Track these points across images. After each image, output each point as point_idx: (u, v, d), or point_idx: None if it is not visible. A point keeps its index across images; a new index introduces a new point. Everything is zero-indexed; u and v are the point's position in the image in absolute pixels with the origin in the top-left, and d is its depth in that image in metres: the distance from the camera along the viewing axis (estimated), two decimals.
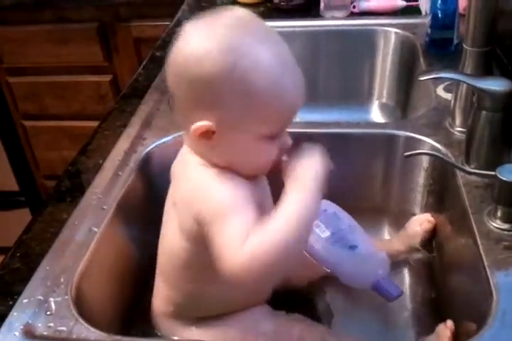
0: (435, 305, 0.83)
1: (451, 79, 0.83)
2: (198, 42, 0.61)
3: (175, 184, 0.72)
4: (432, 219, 0.89)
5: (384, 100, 1.29)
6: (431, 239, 0.90)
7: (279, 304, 0.80)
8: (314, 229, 0.80)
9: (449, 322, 0.71)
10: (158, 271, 0.77)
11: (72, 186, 0.86)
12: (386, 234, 0.99)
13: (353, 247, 0.80)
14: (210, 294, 0.73)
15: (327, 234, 0.81)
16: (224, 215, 0.61)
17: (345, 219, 0.84)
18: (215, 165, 0.66)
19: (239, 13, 0.65)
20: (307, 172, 0.63)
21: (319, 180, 0.62)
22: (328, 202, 0.85)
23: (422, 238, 0.89)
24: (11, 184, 1.97)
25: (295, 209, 0.60)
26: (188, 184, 0.68)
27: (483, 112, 0.76)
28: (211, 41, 0.61)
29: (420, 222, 0.90)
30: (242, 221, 0.60)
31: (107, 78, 1.77)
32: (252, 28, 0.63)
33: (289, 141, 0.67)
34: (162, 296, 0.77)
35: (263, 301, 0.79)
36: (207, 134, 0.64)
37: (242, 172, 0.66)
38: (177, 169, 0.73)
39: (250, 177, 0.68)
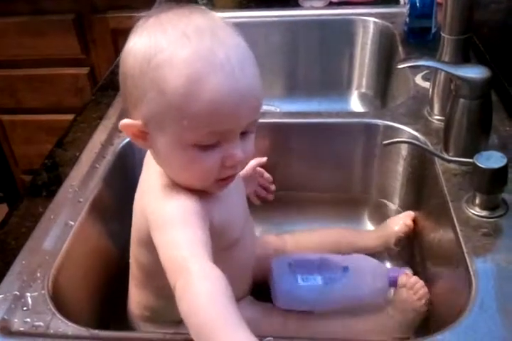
0: None
1: (429, 67, 0.83)
2: (133, 37, 0.60)
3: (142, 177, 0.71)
4: (409, 222, 0.88)
5: (363, 90, 1.29)
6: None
7: (261, 294, 0.80)
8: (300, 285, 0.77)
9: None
10: (130, 275, 0.76)
11: (49, 179, 0.84)
12: (366, 223, 0.99)
13: (345, 268, 0.79)
14: None
15: (319, 281, 0.77)
16: (169, 228, 0.58)
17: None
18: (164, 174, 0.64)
19: (194, 11, 0.60)
20: None
21: None
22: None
23: (398, 238, 0.89)
24: None
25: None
26: (144, 186, 0.67)
27: (461, 100, 0.76)
28: (142, 36, 0.59)
29: (397, 223, 0.89)
30: (187, 239, 0.57)
31: (84, 71, 1.75)
32: (188, 26, 0.57)
33: (236, 154, 0.59)
34: (136, 301, 0.76)
35: (245, 295, 0.79)
36: (140, 135, 0.61)
37: (182, 184, 0.62)
38: (146, 162, 0.71)
39: (204, 192, 0.63)
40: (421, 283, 0.76)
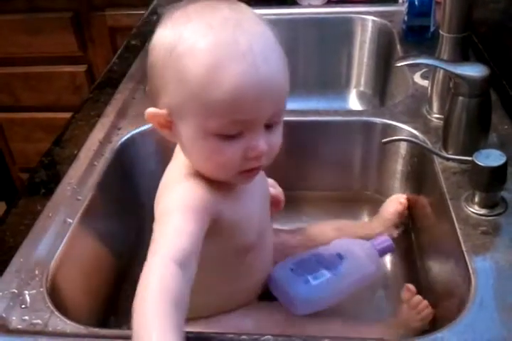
0: (415, 290, 0.83)
1: (427, 65, 0.83)
2: (159, 29, 0.60)
3: None
4: (403, 200, 0.90)
5: (362, 88, 1.29)
6: (409, 225, 0.90)
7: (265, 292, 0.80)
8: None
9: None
10: None
11: (47, 177, 0.84)
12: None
13: (339, 255, 0.79)
14: (197, 301, 0.72)
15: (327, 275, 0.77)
16: (163, 218, 0.59)
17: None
18: (191, 172, 0.63)
19: (222, 3, 0.59)
20: None
21: None
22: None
23: (397, 219, 0.90)
24: None
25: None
26: (165, 178, 0.67)
27: (460, 98, 0.76)
28: (166, 28, 0.59)
29: (392, 204, 0.90)
30: (171, 231, 0.57)
31: (82, 68, 1.74)
32: (214, 17, 0.57)
33: (259, 145, 0.59)
34: None
35: (254, 300, 0.78)
36: (166, 125, 0.61)
37: (206, 174, 0.62)
38: (174, 154, 0.70)
39: (223, 186, 0.63)
40: (425, 303, 0.74)
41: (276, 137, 0.62)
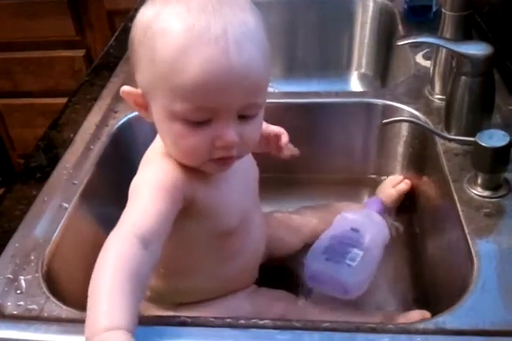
0: (417, 273, 0.82)
1: (429, 43, 0.81)
2: (142, 8, 0.60)
3: None
4: (408, 180, 0.89)
5: (363, 70, 1.27)
6: (411, 208, 0.89)
7: (264, 278, 0.79)
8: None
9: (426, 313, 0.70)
10: None
11: (43, 161, 0.83)
12: None
13: (354, 230, 0.81)
14: (189, 284, 0.72)
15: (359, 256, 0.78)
16: (133, 195, 0.59)
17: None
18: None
19: None
20: None
21: None
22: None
23: (396, 201, 0.89)
24: None
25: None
26: (141, 165, 0.66)
27: (463, 77, 0.75)
28: (147, 8, 0.59)
29: (394, 184, 0.89)
30: (137, 208, 0.57)
31: (80, 53, 1.72)
32: None
33: (226, 134, 0.57)
34: None
35: (249, 284, 0.78)
36: (141, 104, 0.61)
37: (177, 159, 0.62)
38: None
39: (202, 172, 0.62)
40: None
41: (251, 130, 0.60)
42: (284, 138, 0.80)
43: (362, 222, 0.83)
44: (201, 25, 0.54)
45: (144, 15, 0.58)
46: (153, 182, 0.60)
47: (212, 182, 0.65)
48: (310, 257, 0.79)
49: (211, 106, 0.56)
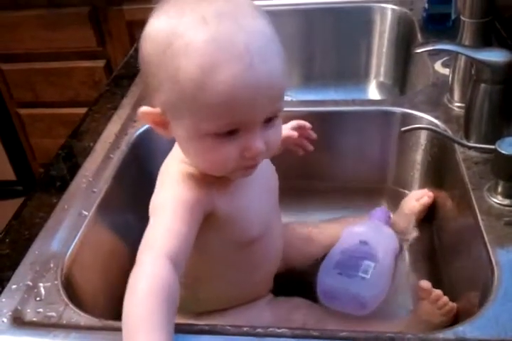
0: (436, 283, 0.80)
1: (448, 50, 0.80)
2: (152, 20, 0.57)
3: None
4: (431, 193, 0.88)
5: (381, 78, 1.27)
6: (430, 216, 0.88)
7: (280, 288, 0.79)
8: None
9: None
10: None
11: (63, 170, 0.84)
12: None
13: (363, 242, 0.80)
14: (207, 293, 0.71)
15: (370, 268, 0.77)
16: (157, 214, 0.59)
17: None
18: (187, 162, 0.62)
19: None
20: None
21: None
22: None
23: (420, 213, 0.87)
24: (8, 173, 1.95)
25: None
26: (161, 177, 0.66)
27: (482, 85, 0.74)
28: (159, 20, 0.56)
29: (417, 197, 0.88)
30: (162, 227, 0.57)
31: (100, 63, 1.74)
32: (208, 10, 0.54)
33: (255, 145, 0.56)
34: None
35: (266, 293, 0.78)
36: (161, 123, 0.59)
37: (203, 172, 0.61)
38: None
39: (219, 180, 0.62)
40: (445, 299, 0.70)
41: (275, 133, 0.60)
42: (307, 124, 0.82)
43: (370, 233, 0.82)
44: (224, 40, 0.53)
45: (157, 30, 0.56)
46: (176, 201, 0.59)
47: (233, 192, 0.65)
48: (322, 273, 0.77)
49: (240, 119, 0.55)
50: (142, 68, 0.59)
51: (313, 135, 0.84)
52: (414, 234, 0.89)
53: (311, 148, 0.84)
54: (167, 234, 0.56)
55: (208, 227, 0.61)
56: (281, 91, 0.57)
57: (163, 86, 0.56)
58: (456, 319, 0.70)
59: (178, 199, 0.59)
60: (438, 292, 0.70)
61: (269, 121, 0.58)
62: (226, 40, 0.53)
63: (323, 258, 0.81)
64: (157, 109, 0.58)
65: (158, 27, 0.56)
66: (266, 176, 0.71)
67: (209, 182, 0.62)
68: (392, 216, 0.88)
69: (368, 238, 0.80)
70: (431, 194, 0.88)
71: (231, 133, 0.56)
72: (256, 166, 0.61)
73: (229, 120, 0.55)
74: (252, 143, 0.56)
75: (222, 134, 0.56)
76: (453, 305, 0.70)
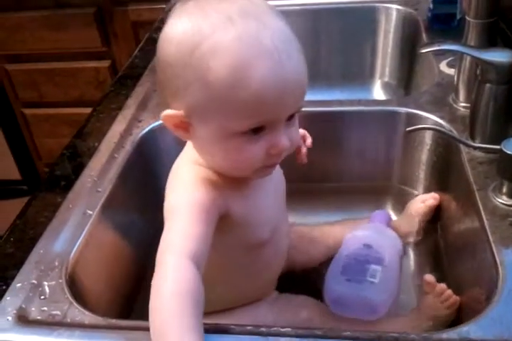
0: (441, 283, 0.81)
1: (453, 51, 0.80)
2: (172, 21, 0.57)
3: None
4: (437, 196, 0.87)
5: (386, 79, 1.27)
6: (435, 217, 0.88)
7: (283, 286, 0.79)
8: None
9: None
10: None
11: (67, 169, 0.84)
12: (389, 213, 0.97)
13: (367, 246, 0.80)
14: (214, 294, 0.71)
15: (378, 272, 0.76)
16: (174, 216, 0.58)
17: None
18: (201, 164, 0.62)
19: None
20: None
21: None
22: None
23: (426, 215, 0.87)
24: (13, 173, 1.96)
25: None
26: (173, 180, 0.65)
27: (488, 85, 0.74)
28: (181, 21, 0.56)
29: (423, 199, 0.88)
30: (180, 230, 0.56)
31: (105, 64, 1.75)
32: (232, 8, 0.54)
33: (281, 142, 0.57)
34: None
35: (271, 292, 0.78)
36: (182, 125, 0.59)
37: (223, 172, 0.61)
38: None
39: (234, 182, 0.62)
40: (449, 292, 0.71)
41: (296, 130, 0.61)
42: (309, 140, 0.80)
43: (373, 236, 0.81)
44: (252, 38, 0.53)
45: (181, 31, 0.55)
46: (192, 204, 0.59)
47: (247, 195, 0.65)
48: (329, 281, 0.77)
49: (267, 117, 0.56)
50: (162, 70, 0.58)
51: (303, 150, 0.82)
52: (417, 236, 0.89)
53: (305, 161, 0.82)
54: (186, 236, 0.56)
55: (219, 230, 0.61)
56: (305, 88, 0.58)
57: (191, 87, 0.55)
58: (458, 319, 0.70)
59: (195, 202, 0.59)
60: (442, 285, 0.71)
61: (290, 118, 0.59)
62: (254, 38, 0.53)
63: (326, 259, 0.82)
64: (180, 112, 0.58)
65: (181, 28, 0.56)
66: (276, 179, 0.71)
67: (224, 184, 0.62)
68: (394, 218, 0.88)
69: (371, 241, 0.80)
70: (437, 196, 0.87)
71: (256, 131, 0.56)
72: (276, 165, 0.62)
73: (259, 118, 0.55)
74: (279, 140, 0.57)
75: (248, 133, 0.56)
76: (456, 297, 0.71)
